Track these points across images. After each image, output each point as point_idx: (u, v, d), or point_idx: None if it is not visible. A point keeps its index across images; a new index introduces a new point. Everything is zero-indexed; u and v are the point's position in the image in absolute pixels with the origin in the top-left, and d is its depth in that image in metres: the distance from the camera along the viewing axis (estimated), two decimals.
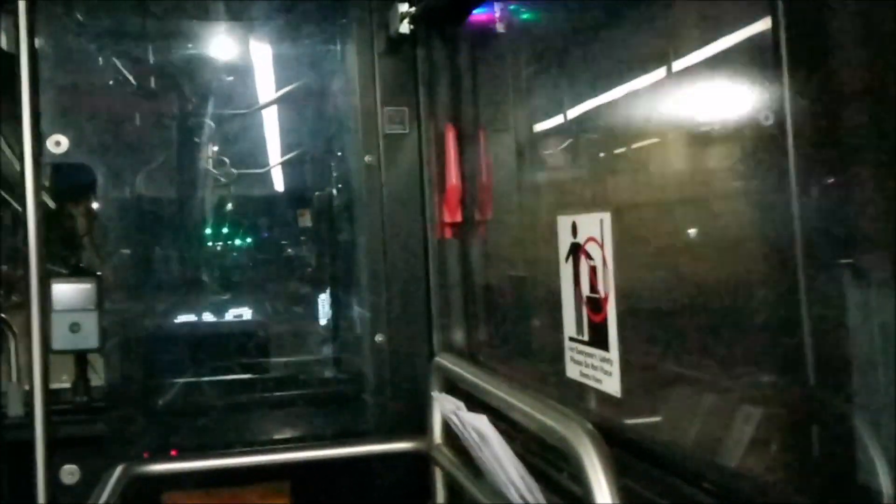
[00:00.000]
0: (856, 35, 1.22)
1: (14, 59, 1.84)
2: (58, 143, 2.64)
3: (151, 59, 3.17)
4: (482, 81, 2.77)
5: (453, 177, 2.79)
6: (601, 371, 1.84)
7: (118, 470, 2.08)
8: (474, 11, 2.63)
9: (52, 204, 3.66)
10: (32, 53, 1.82)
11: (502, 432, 1.88)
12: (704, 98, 1.61)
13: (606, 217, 1.78)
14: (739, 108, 1.50)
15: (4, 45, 2.15)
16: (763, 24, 1.38)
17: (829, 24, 1.26)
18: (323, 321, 3.55)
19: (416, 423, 2.64)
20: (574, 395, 1.99)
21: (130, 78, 3.02)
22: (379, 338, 2.94)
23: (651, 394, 1.80)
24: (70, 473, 2.72)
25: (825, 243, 1.26)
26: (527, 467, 1.80)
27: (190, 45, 3.23)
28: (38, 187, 1.93)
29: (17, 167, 1.97)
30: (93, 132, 2.81)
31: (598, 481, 1.25)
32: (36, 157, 1.89)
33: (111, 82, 3.00)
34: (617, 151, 1.99)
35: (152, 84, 3.16)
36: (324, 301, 3.54)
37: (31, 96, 1.83)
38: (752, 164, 1.47)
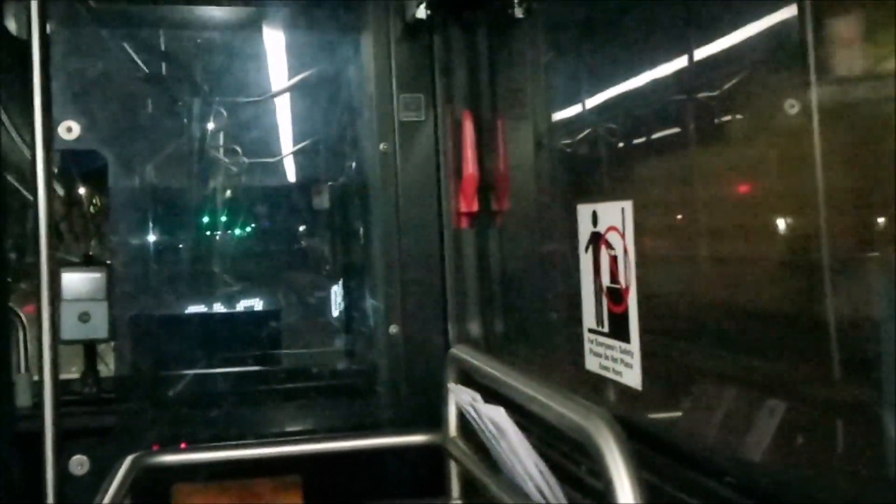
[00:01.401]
0: None
1: (26, 45, 1.84)
2: (69, 130, 2.64)
3: (164, 46, 3.17)
4: (500, 68, 2.76)
5: (470, 165, 2.79)
6: (621, 363, 1.84)
7: (128, 460, 2.08)
8: None
9: (60, 191, 3.67)
10: (44, 40, 1.83)
11: (518, 425, 1.88)
12: (735, 84, 1.60)
13: (628, 205, 1.77)
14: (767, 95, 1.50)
15: (15, 32, 2.16)
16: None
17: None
18: (336, 312, 3.55)
19: (431, 416, 2.64)
20: (593, 390, 1.99)
21: (142, 65, 3.02)
22: (393, 329, 2.94)
23: (679, 389, 1.80)
24: (79, 464, 2.73)
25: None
26: (543, 461, 1.80)
27: (203, 32, 3.23)
28: (49, 174, 1.94)
29: (28, 154, 1.97)
30: (104, 119, 2.81)
31: (618, 473, 1.24)
32: (47, 144, 1.90)
33: (123, 69, 3.00)
34: (640, 140, 1.99)
35: (165, 71, 3.16)
36: (337, 291, 3.54)
37: (42, 83, 1.84)
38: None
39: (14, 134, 2.76)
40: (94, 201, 3.81)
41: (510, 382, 1.81)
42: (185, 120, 3.28)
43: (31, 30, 1.86)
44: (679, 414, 1.78)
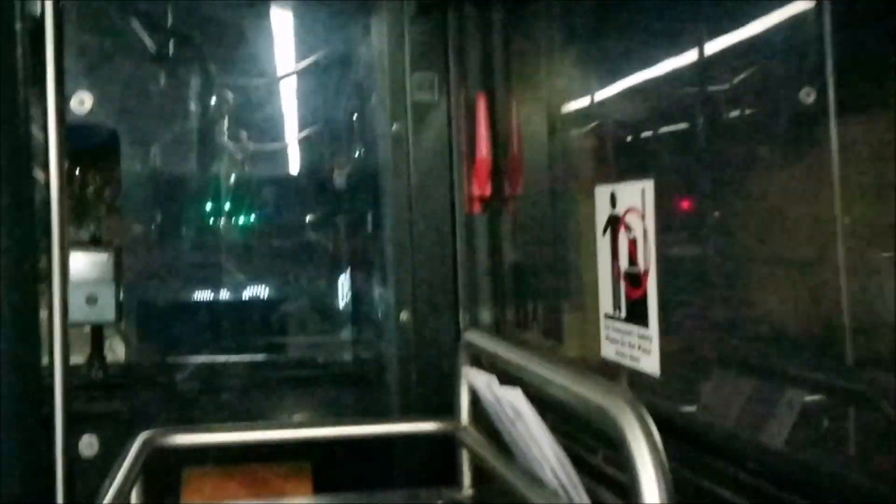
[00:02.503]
0: None
1: (39, 18, 1.84)
2: (82, 103, 2.64)
3: (177, 23, 3.17)
4: (515, 48, 2.75)
5: (483, 148, 2.78)
6: (639, 349, 1.84)
7: (140, 439, 2.09)
8: None
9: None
10: (57, 12, 1.83)
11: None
12: (760, 62, 1.60)
13: (649, 185, 1.77)
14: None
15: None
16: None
17: None
18: (347, 298, 3.55)
19: (442, 404, 2.64)
20: (609, 377, 1.99)
21: (154, 42, 3.02)
22: (404, 315, 2.94)
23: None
24: (88, 446, 2.75)
25: None
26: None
27: (216, 8, 3.23)
28: (63, 149, 1.93)
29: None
30: (116, 93, 2.82)
31: (642, 456, 1.24)
32: (60, 118, 1.89)
33: (135, 44, 3.00)
34: (660, 121, 1.98)
35: (177, 49, 3.16)
36: (348, 277, 3.54)
37: (55, 56, 1.84)
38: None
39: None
40: (100, 180, 3.81)
41: (528, 365, 1.81)
42: (196, 99, 3.27)
43: (45, 2, 1.86)
44: (700, 402, 1.79)
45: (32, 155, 1.77)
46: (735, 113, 1.69)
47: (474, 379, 2.11)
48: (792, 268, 1.51)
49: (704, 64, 1.76)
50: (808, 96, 1.40)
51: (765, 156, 1.59)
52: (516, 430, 1.83)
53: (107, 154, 3.21)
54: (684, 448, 1.64)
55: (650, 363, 1.81)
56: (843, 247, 1.32)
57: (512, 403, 1.77)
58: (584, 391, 1.48)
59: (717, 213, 1.74)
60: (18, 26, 1.64)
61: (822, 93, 1.35)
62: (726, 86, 1.69)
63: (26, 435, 1.92)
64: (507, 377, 2.00)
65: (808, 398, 1.47)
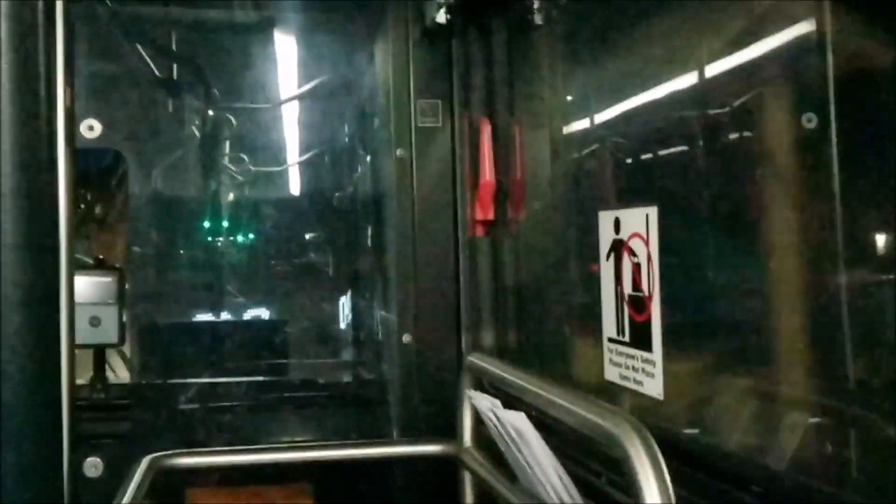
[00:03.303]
0: None
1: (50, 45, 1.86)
2: (91, 128, 2.67)
3: (183, 49, 3.20)
4: (518, 74, 2.77)
5: (487, 173, 2.80)
6: (643, 373, 1.85)
7: (145, 461, 2.11)
8: (513, 1, 2.65)
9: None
10: (69, 38, 1.85)
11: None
12: (759, 90, 1.63)
13: (653, 211, 1.79)
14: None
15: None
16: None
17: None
18: (349, 320, 3.57)
19: (445, 426, 2.66)
20: (612, 401, 2.00)
21: (161, 68, 3.05)
22: (406, 338, 2.95)
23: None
24: (93, 467, 2.76)
25: None
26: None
27: (222, 35, 3.26)
28: (72, 174, 1.95)
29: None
30: (120, 121, 2.84)
31: (648, 481, 1.26)
32: (69, 141, 1.92)
33: (143, 70, 3.03)
34: (662, 146, 2.00)
35: (184, 74, 3.19)
36: (351, 300, 3.56)
37: (66, 83, 1.86)
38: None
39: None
40: (104, 203, 3.84)
41: (531, 388, 1.83)
42: (202, 124, 3.30)
43: (56, 28, 1.88)
44: (704, 426, 1.80)
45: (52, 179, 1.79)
46: (737, 136, 1.71)
47: (478, 401, 2.13)
48: (795, 291, 1.53)
49: (706, 88, 1.78)
50: (809, 122, 1.42)
51: (769, 180, 1.61)
52: (519, 453, 1.84)
53: (111, 178, 3.25)
54: (689, 471, 1.66)
55: (654, 386, 1.82)
56: (845, 269, 1.34)
57: (515, 426, 1.79)
58: (589, 414, 1.50)
59: (719, 237, 1.76)
60: (31, 52, 1.66)
61: (823, 118, 1.38)
62: (728, 109, 1.71)
63: (33, 457, 1.93)
64: (510, 400, 2.02)
65: (813, 420, 1.49)
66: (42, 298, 1.91)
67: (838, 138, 1.34)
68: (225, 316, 3.50)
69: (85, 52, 2.79)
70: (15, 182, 1.65)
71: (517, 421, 1.78)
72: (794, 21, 1.48)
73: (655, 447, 1.29)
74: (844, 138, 1.33)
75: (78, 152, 3.14)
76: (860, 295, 1.34)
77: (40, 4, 1.71)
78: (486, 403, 1.98)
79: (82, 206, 3.92)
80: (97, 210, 3.96)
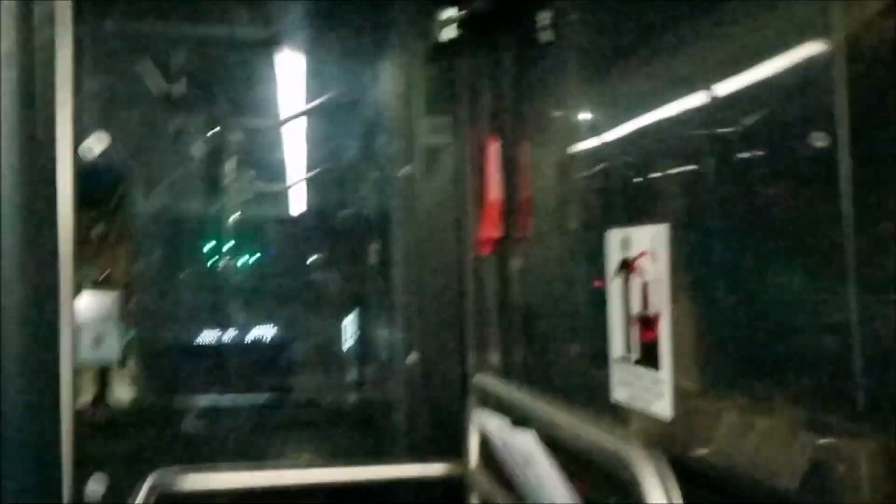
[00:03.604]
0: None
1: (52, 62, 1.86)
2: (91, 148, 2.67)
3: (189, 67, 3.20)
4: (526, 92, 2.77)
5: (494, 190, 2.79)
6: (651, 392, 1.84)
7: (148, 481, 2.10)
8: (521, 19, 2.64)
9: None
10: (74, 58, 1.85)
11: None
12: (772, 111, 1.61)
13: (661, 230, 1.78)
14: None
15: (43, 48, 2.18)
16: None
17: None
18: (355, 339, 3.56)
19: (451, 446, 2.64)
20: (620, 420, 1.98)
21: (166, 85, 3.05)
22: (412, 357, 2.94)
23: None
24: (94, 486, 2.74)
25: None
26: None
27: (229, 53, 3.26)
28: (74, 192, 1.95)
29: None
30: (125, 139, 2.85)
31: (657, 500, 1.24)
32: (73, 162, 1.91)
33: (146, 91, 3.03)
34: (671, 168, 1.99)
35: (189, 92, 3.19)
36: (356, 319, 3.55)
37: (70, 101, 1.86)
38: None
39: None
40: (108, 222, 3.83)
41: (540, 409, 1.82)
42: (207, 142, 3.30)
43: (58, 49, 1.88)
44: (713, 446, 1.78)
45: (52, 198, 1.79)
46: (747, 155, 1.70)
47: (485, 422, 2.11)
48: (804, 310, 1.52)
49: (716, 106, 1.77)
50: (820, 140, 1.41)
51: (779, 199, 1.60)
52: (527, 474, 1.83)
53: (115, 196, 3.24)
54: (701, 492, 1.64)
55: (662, 406, 1.80)
56: (858, 288, 1.33)
57: (523, 447, 1.78)
58: (598, 436, 1.49)
59: (729, 256, 1.74)
60: (36, 71, 1.66)
61: (835, 136, 1.36)
62: (737, 128, 1.70)
63: (35, 476, 1.92)
64: (517, 421, 2.01)
65: (822, 441, 1.47)
66: (43, 317, 1.91)
67: (851, 157, 1.33)
68: (229, 335, 3.49)
69: (90, 70, 2.79)
70: (17, 201, 1.65)
71: (525, 442, 1.76)
72: (804, 39, 1.47)
73: (667, 470, 1.28)
74: (857, 157, 1.32)
75: (91, 175, 3.17)
76: (874, 315, 1.32)
77: (46, 23, 1.71)
78: (494, 424, 1.97)
79: (99, 229, 3.92)
80: (98, 228, 3.97)
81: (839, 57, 1.38)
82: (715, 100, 1.77)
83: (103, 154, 2.72)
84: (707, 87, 1.80)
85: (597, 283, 2.09)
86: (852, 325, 1.34)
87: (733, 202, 1.73)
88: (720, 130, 1.76)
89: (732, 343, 1.73)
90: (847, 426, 1.41)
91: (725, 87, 1.74)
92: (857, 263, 1.33)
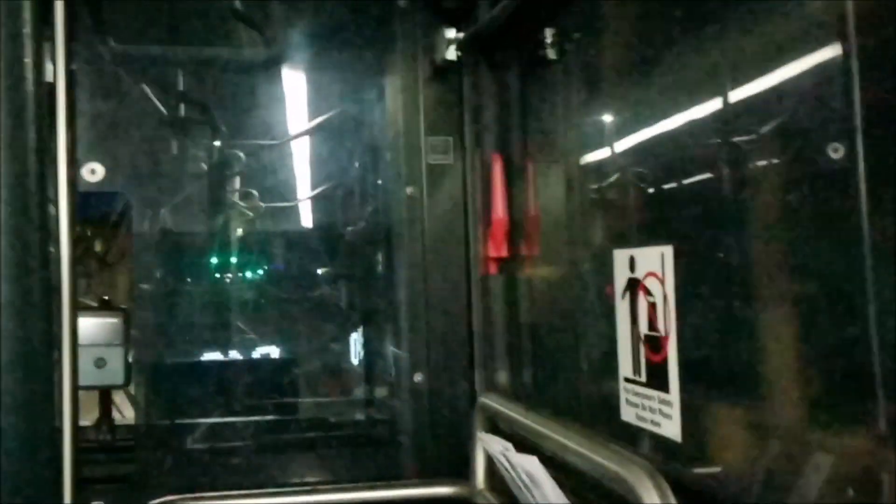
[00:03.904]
0: None
1: (50, 86, 1.86)
2: (93, 172, 2.67)
3: (187, 88, 3.21)
4: (531, 110, 2.77)
5: (499, 209, 2.79)
6: (660, 414, 1.82)
7: None
8: (524, 38, 2.64)
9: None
10: (70, 81, 1.85)
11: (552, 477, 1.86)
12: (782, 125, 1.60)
13: (668, 251, 1.77)
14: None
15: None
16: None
17: None
18: (359, 359, 3.55)
19: (458, 467, 2.63)
20: (629, 441, 1.97)
21: (165, 107, 3.06)
22: (418, 377, 2.93)
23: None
24: None
25: None
26: None
27: (228, 74, 3.27)
28: (73, 217, 1.95)
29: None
30: (127, 161, 2.85)
31: None
32: (71, 185, 1.91)
33: (146, 111, 3.03)
34: (679, 184, 1.98)
35: (187, 113, 3.19)
36: (360, 338, 3.54)
37: (67, 124, 1.86)
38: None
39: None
40: (109, 244, 3.84)
41: (545, 431, 1.80)
42: (208, 163, 3.30)
43: (56, 71, 1.88)
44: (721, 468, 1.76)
45: (46, 221, 1.78)
46: (758, 171, 1.69)
47: (489, 445, 2.10)
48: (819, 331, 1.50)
49: (725, 121, 1.76)
50: (835, 152, 1.39)
51: (791, 214, 1.58)
52: (532, 498, 1.81)
53: (117, 219, 3.25)
54: None
55: (671, 428, 1.79)
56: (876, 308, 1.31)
57: (528, 471, 1.76)
58: (601, 459, 1.48)
59: (738, 276, 1.73)
60: (30, 94, 1.65)
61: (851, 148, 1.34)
62: (748, 143, 1.69)
63: (37, 500, 1.91)
64: (523, 443, 2.00)
65: (838, 463, 1.45)
66: (44, 340, 1.90)
67: (867, 169, 1.31)
68: (231, 356, 3.49)
69: (88, 93, 2.80)
70: (15, 225, 1.64)
71: (529, 465, 1.75)
72: (816, 48, 1.46)
73: (669, 493, 1.26)
74: (873, 168, 1.30)
75: (93, 197, 3.17)
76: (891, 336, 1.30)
77: (42, 44, 1.70)
78: (498, 447, 1.96)
79: (101, 252, 3.93)
80: (116, 256, 3.97)
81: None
82: (723, 114, 1.76)
83: (106, 177, 2.72)
84: (714, 102, 1.79)
85: (607, 294, 2.08)
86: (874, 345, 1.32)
87: (745, 217, 1.71)
88: (730, 144, 1.74)
89: (747, 360, 1.71)
90: (868, 446, 1.39)
91: (732, 101, 1.73)
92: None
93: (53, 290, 2.00)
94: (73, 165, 1.95)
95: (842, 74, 1.36)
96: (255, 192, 3.40)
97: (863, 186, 1.30)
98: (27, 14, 1.62)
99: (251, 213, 3.42)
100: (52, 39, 1.88)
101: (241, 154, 3.35)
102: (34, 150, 1.66)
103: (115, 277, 3.93)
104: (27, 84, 1.63)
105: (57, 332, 2.08)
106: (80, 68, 2.74)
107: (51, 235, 1.85)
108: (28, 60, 1.63)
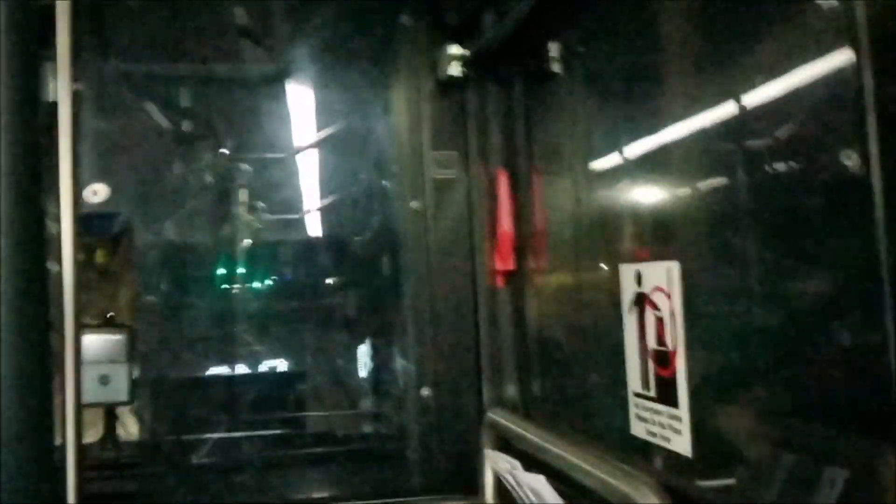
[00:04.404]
0: None
1: (53, 106, 1.86)
2: (95, 193, 2.68)
3: (191, 105, 3.21)
4: (536, 124, 2.77)
5: (505, 223, 2.79)
6: (670, 429, 1.82)
7: None
8: (528, 52, 2.64)
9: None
10: (74, 100, 1.85)
11: (558, 493, 1.86)
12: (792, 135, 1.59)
13: (675, 266, 1.77)
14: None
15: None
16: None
17: None
18: (366, 374, 3.55)
19: (465, 483, 2.62)
20: (640, 457, 1.96)
21: (170, 124, 3.07)
22: (425, 392, 2.93)
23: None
24: None
25: None
26: None
27: (231, 91, 3.28)
28: (76, 236, 1.95)
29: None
30: (130, 181, 2.86)
31: None
32: (75, 204, 1.91)
33: (150, 129, 3.04)
34: (686, 199, 1.97)
35: (192, 130, 3.20)
36: (367, 353, 3.54)
37: (71, 144, 1.86)
38: None
39: None
40: (114, 261, 3.84)
41: (551, 448, 1.80)
42: (213, 179, 3.31)
43: (60, 90, 1.88)
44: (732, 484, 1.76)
45: (47, 239, 1.78)
46: (768, 183, 1.68)
47: (497, 463, 2.10)
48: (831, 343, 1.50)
49: (733, 132, 1.75)
50: (848, 159, 1.38)
51: (803, 225, 1.58)
52: None
53: (122, 235, 3.25)
54: None
55: (681, 443, 1.78)
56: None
57: (535, 489, 1.76)
58: (608, 476, 1.47)
59: (747, 291, 1.72)
60: (33, 114, 1.66)
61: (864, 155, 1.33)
62: (757, 154, 1.68)
63: None
64: (531, 459, 1.99)
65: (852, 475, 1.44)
66: (47, 357, 1.90)
67: (882, 176, 1.30)
68: (237, 371, 3.49)
69: (92, 111, 2.81)
70: (19, 244, 1.64)
71: (536, 484, 1.74)
72: (826, 54, 1.45)
73: None
74: (888, 176, 1.29)
75: (97, 217, 3.18)
76: None
77: (45, 63, 1.71)
78: (505, 465, 1.95)
79: (105, 269, 3.92)
80: (120, 272, 3.97)
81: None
82: (731, 127, 1.75)
83: (108, 200, 2.73)
84: (720, 114, 1.78)
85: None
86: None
87: (754, 230, 1.71)
88: (738, 162, 1.74)
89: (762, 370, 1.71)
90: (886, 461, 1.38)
91: (740, 114, 1.72)
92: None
93: (57, 308, 2.00)
94: (77, 184, 1.96)
95: (851, 80, 1.35)
96: (260, 211, 3.41)
97: (879, 198, 1.29)
98: (30, 33, 1.63)
99: (256, 227, 3.43)
100: (54, 59, 1.89)
101: (245, 171, 3.36)
102: (37, 169, 1.66)
103: (118, 290, 3.92)
104: (30, 103, 1.63)
105: (60, 350, 2.08)
106: (84, 87, 2.75)
107: (53, 254, 1.85)
108: (31, 79, 1.63)
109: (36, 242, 1.69)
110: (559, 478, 1.83)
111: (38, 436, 1.90)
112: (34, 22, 1.61)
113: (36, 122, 1.68)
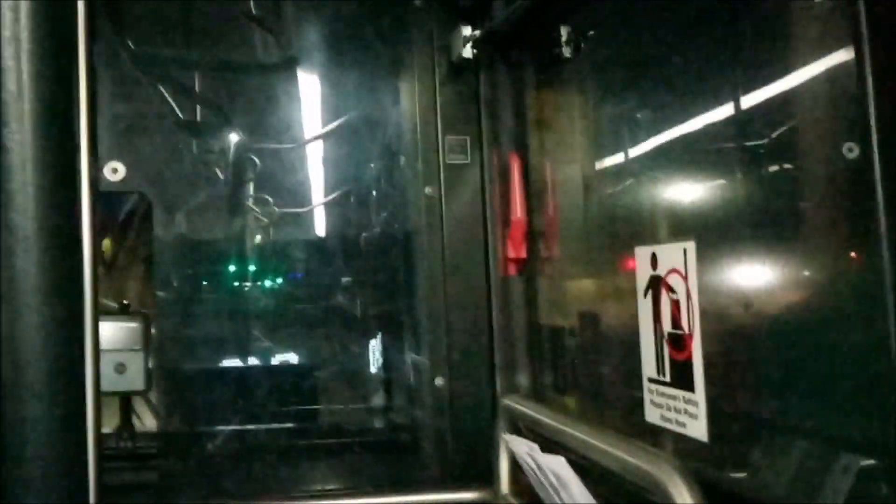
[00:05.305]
0: None
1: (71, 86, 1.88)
2: (115, 171, 2.70)
3: (207, 90, 3.22)
4: (548, 109, 2.77)
5: (518, 210, 2.79)
6: (685, 414, 1.83)
7: None
8: (540, 35, 2.65)
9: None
10: (91, 80, 1.87)
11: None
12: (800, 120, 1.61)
13: (691, 246, 1.77)
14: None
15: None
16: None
17: None
18: (379, 364, 3.55)
19: (480, 471, 2.63)
20: (654, 443, 1.97)
21: (185, 109, 3.07)
22: (439, 381, 2.93)
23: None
24: None
25: None
26: None
27: (244, 77, 3.29)
28: (94, 219, 1.96)
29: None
30: (147, 161, 2.87)
31: None
32: (93, 187, 1.93)
33: (167, 112, 3.05)
34: (698, 183, 1.98)
35: (208, 115, 3.21)
36: (381, 343, 3.54)
37: (88, 125, 1.87)
38: None
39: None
40: (129, 248, 3.84)
41: (570, 431, 1.81)
42: (226, 166, 3.32)
43: (78, 70, 1.90)
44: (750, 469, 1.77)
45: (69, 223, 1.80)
46: (775, 169, 1.69)
47: (514, 446, 2.11)
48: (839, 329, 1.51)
49: (742, 119, 1.76)
50: (850, 152, 1.40)
51: (808, 213, 1.59)
52: (559, 499, 1.82)
53: (136, 222, 3.26)
54: None
55: (697, 428, 1.79)
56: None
57: (556, 471, 1.77)
58: (630, 458, 1.48)
59: (757, 273, 1.73)
60: (53, 95, 1.67)
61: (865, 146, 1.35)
62: (764, 141, 1.69)
63: None
64: (548, 444, 2.00)
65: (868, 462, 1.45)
66: (66, 345, 1.91)
67: (882, 167, 1.31)
68: (251, 361, 3.50)
69: (108, 93, 2.82)
70: (38, 228, 1.66)
71: (556, 465, 1.75)
72: (829, 46, 1.46)
73: (700, 492, 1.27)
74: (889, 167, 1.31)
75: (111, 200, 3.19)
76: None
77: (62, 47, 1.72)
78: (524, 448, 1.97)
79: (121, 256, 3.92)
80: (135, 260, 3.97)
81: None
82: (743, 112, 1.76)
83: (125, 179, 2.74)
84: (734, 100, 1.79)
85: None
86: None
87: (764, 217, 1.72)
88: (749, 143, 1.75)
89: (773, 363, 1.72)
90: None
91: (752, 100, 1.73)
92: None
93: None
94: (95, 167, 1.97)
95: (853, 72, 1.36)
96: (273, 198, 3.41)
97: (879, 182, 1.30)
98: (49, 13, 1.64)
99: (269, 220, 3.44)
100: (73, 39, 1.90)
101: (258, 157, 3.37)
102: (56, 152, 1.68)
103: (125, 284, 3.93)
104: (49, 84, 1.65)
105: (80, 337, 2.09)
106: (98, 69, 2.76)
107: (73, 237, 1.86)
108: (50, 61, 1.65)
109: (71, 224, 1.72)
110: (577, 460, 1.84)
111: (66, 427, 1.92)
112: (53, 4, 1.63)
113: (70, 104, 1.70)
